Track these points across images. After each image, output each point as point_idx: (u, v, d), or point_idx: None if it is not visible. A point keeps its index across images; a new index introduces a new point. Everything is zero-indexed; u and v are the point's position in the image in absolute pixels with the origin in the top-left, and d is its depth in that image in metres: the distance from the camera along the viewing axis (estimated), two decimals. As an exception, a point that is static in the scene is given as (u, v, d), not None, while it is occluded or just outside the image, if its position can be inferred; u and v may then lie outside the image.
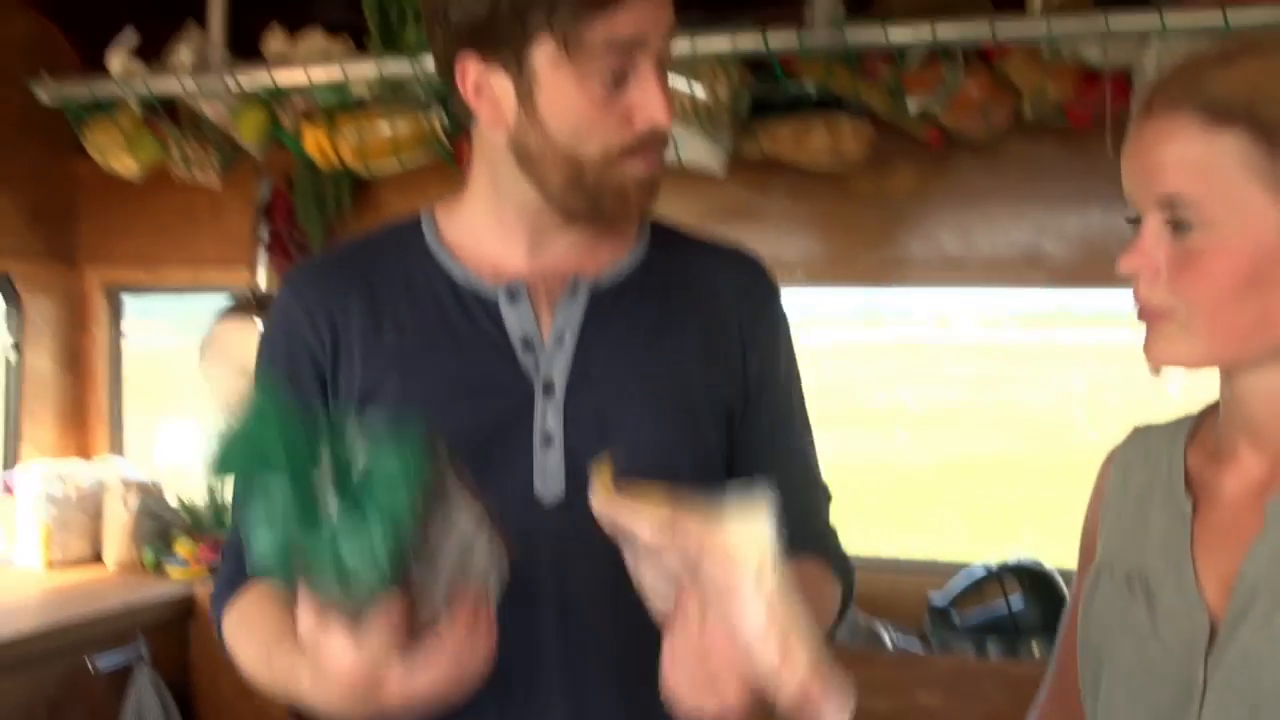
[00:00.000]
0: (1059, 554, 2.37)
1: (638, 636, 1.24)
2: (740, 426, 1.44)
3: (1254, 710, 1.04)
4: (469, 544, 1.08)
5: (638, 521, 1.06)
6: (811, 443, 1.53)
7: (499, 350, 1.34)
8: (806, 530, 1.45)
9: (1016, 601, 2.45)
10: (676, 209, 2.77)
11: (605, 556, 1.28)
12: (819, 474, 1.52)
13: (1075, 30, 2.18)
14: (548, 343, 1.35)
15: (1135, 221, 1.10)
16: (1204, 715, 1.07)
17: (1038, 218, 2.65)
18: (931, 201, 2.71)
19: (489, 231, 1.39)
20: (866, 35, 2.27)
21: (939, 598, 2.52)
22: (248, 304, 2.96)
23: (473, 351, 1.35)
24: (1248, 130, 1.03)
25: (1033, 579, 2.46)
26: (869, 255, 2.76)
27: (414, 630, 1.06)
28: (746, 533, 1.01)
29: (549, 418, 1.32)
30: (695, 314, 1.41)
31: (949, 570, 2.68)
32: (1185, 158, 1.05)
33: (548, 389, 1.33)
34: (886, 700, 2.36)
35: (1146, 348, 1.12)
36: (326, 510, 0.98)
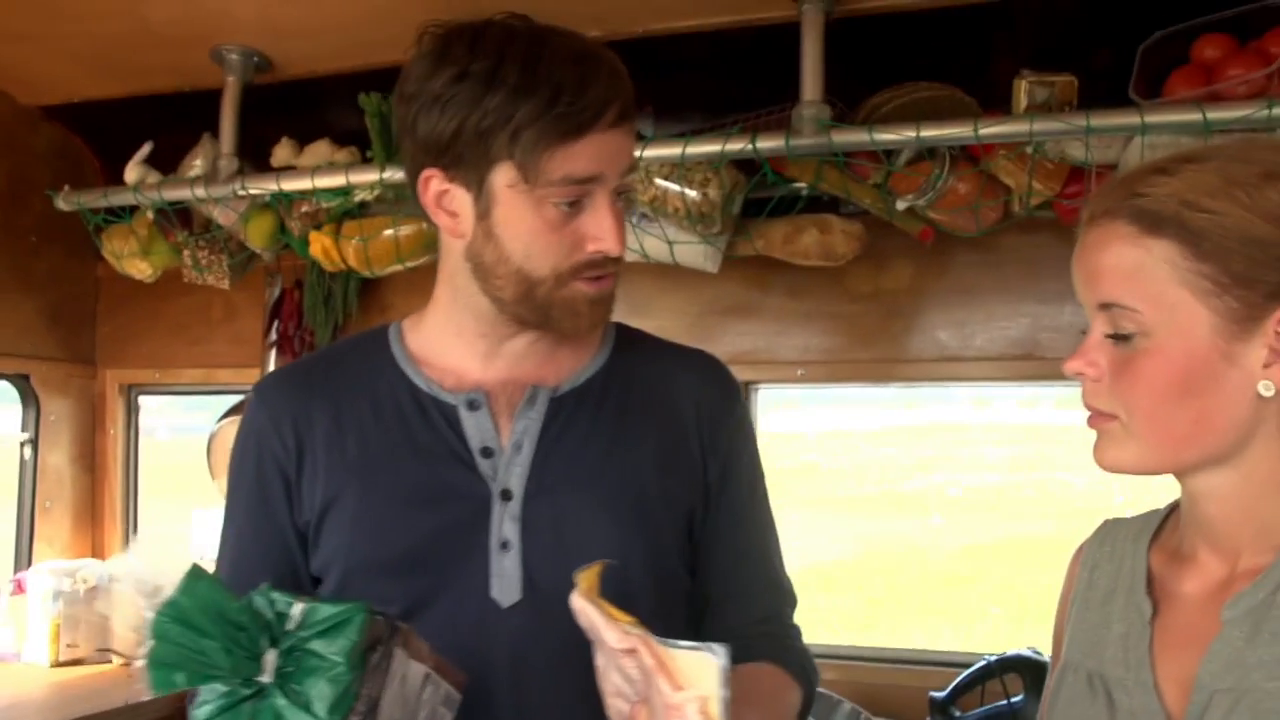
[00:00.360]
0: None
1: None
2: (701, 530, 1.46)
3: None
4: (415, 693, 1.12)
5: (606, 627, 1.09)
6: (774, 544, 1.54)
7: (459, 458, 1.37)
8: (765, 632, 1.46)
9: (1018, 697, 2.42)
10: (675, 305, 2.85)
11: (560, 659, 1.32)
12: (780, 574, 1.54)
13: (1057, 129, 2.20)
14: (506, 450, 1.37)
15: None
16: None
17: (1034, 312, 2.65)
18: (928, 297, 2.72)
19: (450, 341, 1.43)
20: (851, 138, 2.30)
21: (940, 693, 2.50)
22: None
23: (433, 459, 1.38)
24: (1177, 238, 1.06)
25: (1033, 672, 2.42)
26: (867, 351, 2.77)
27: None
28: (700, 661, 1.04)
29: (506, 524, 1.35)
30: (654, 421, 1.44)
31: (952, 663, 2.66)
32: (1121, 265, 1.09)
33: (505, 495, 1.36)
34: (885, 801, 2.34)
35: (1095, 452, 1.15)
36: (266, 671, 1.01)
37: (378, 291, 3.06)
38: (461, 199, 1.32)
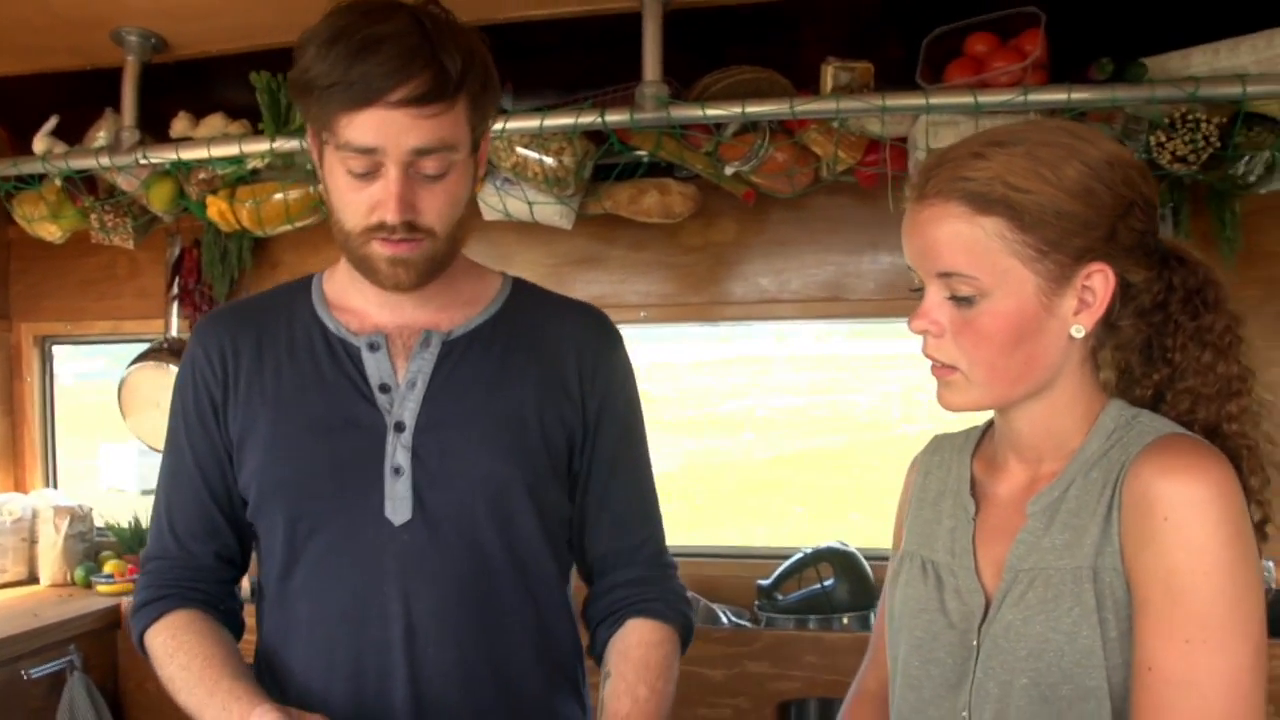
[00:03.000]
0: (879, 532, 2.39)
1: (474, 639, 1.31)
2: (580, 460, 1.44)
3: (1011, 671, 1.10)
4: None
5: None
6: (649, 478, 1.51)
7: (360, 392, 1.35)
8: (640, 559, 1.45)
9: (829, 581, 2.50)
10: (534, 258, 2.83)
11: (444, 569, 1.32)
12: (652, 505, 1.50)
13: (858, 108, 2.24)
14: (401, 387, 1.35)
15: (918, 290, 1.16)
16: (977, 676, 1.14)
17: (838, 261, 2.71)
18: (751, 249, 2.75)
19: (353, 288, 1.41)
20: (687, 113, 2.30)
21: (765, 580, 2.56)
22: (159, 350, 2.88)
23: (337, 393, 1.36)
24: (1005, 215, 1.09)
25: (842, 561, 2.50)
26: (699, 295, 2.79)
27: None
28: None
29: (399, 453, 1.33)
30: (537, 364, 1.41)
31: (773, 555, 2.73)
32: (958, 240, 1.10)
33: (399, 427, 1.34)
34: (721, 670, 2.39)
35: (940, 397, 1.18)
36: None
37: (269, 249, 2.95)
38: (319, 153, 1.32)
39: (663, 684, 1.37)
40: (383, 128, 1.22)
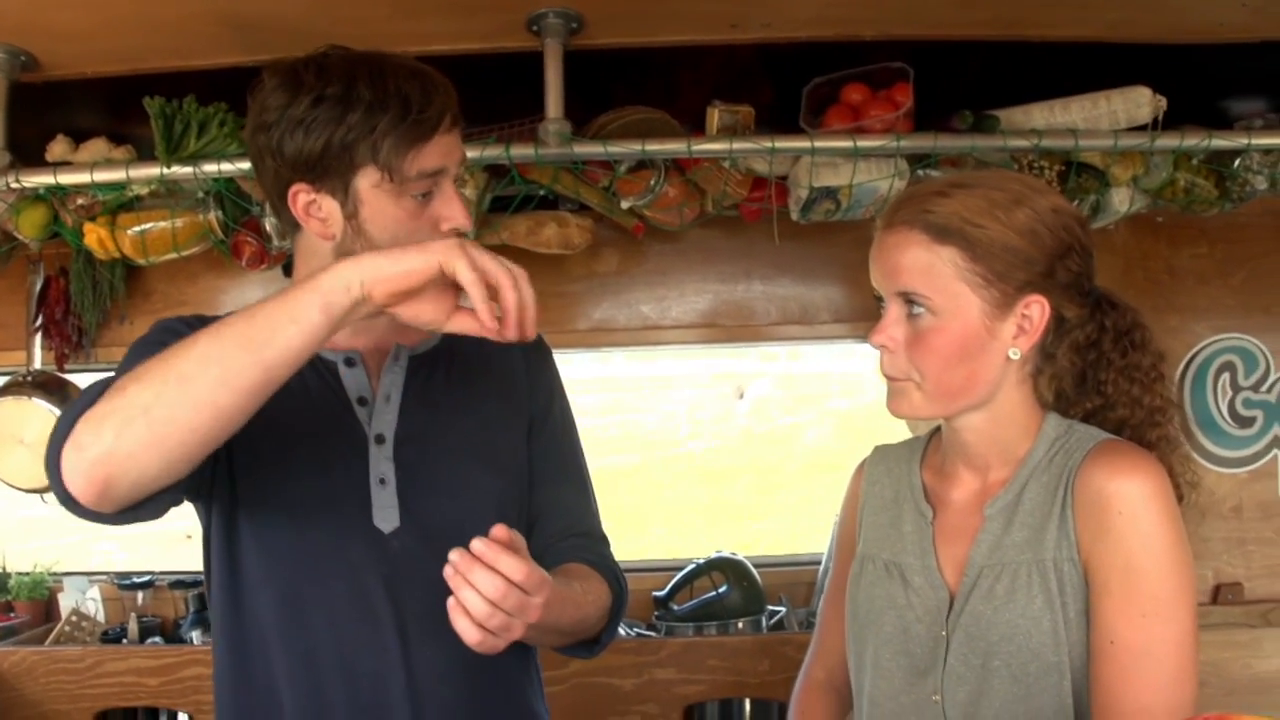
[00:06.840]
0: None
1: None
2: (531, 462, 1.51)
3: (984, 655, 1.22)
4: None
5: None
6: (585, 470, 1.60)
7: (341, 404, 1.39)
8: (580, 545, 1.51)
9: (722, 588, 2.64)
10: (423, 289, 2.82)
11: (434, 574, 1.30)
12: (590, 494, 1.58)
13: (750, 149, 2.38)
14: (378, 401, 1.40)
15: (880, 299, 1.28)
16: (949, 661, 1.25)
17: (714, 289, 2.85)
18: (633, 278, 2.86)
19: None
20: (589, 149, 2.37)
21: (661, 592, 2.68)
22: (21, 384, 2.72)
23: (318, 407, 1.39)
24: (960, 246, 1.23)
25: (732, 568, 2.64)
26: (585, 323, 2.87)
27: None
28: None
29: (382, 463, 1.37)
30: (493, 377, 1.49)
31: (665, 568, 2.83)
32: (917, 264, 1.23)
33: (379, 439, 1.38)
34: (630, 679, 2.46)
35: (890, 403, 1.29)
36: None
37: (142, 278, 2.81)
38: (329, 205, 1.33)
39: (582, 591, 1.41)
40: (446, 150, 1.32)
